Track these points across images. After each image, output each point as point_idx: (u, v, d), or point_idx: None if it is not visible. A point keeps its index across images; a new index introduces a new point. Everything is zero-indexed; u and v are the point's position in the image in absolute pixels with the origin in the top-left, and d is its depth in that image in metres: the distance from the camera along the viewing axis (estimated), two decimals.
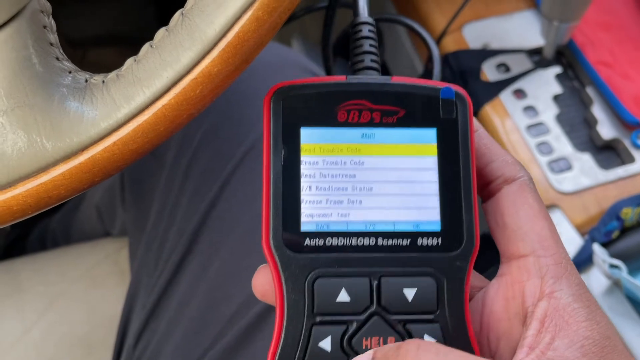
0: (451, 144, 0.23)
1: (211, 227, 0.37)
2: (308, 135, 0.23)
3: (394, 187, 0.23)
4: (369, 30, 0.26)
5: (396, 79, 0.24)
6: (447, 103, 0.23)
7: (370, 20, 0.26)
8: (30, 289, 0.50)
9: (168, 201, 0.40)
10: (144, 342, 0.40)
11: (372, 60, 0.25)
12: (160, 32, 0.25)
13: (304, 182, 0.23)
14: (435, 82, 0.24)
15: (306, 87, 0.24)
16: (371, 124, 0.23)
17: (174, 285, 0.38)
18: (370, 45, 0.25)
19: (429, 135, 0.23)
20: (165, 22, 0.24)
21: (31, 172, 0.24)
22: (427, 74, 0.65)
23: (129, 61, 0.25)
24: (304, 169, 0.23)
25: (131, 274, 0.46)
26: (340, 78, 0.24)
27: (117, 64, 0.25)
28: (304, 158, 0.23)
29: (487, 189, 0.24)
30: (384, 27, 0.77)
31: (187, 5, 0.24)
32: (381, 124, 0.23)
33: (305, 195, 0.23)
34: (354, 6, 0.26)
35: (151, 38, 0.25)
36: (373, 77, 0.24)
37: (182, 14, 0.24)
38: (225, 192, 0.37)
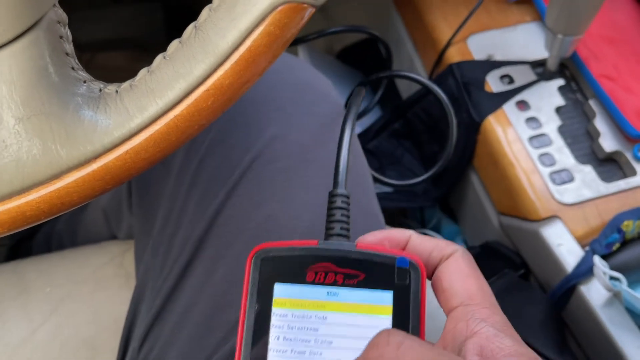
0: (404, 306, 0.26)
1: (217, 234, 0.38)
2: (280, 291, 0.27)
3: (351, 342, 0.26)
4: (342, 202, 0.30)
5: (360, 246, 0.28)
6: (402, 271, 0.27)
7: (345, 192, 0.30)
8: (36, 290, 0.50)
9: (175, 207, 0.41)
10: (149, 346, 0.40)
11: (341, 228, 0.29)
12: (174, 44, 0.25)
13: (273, 332, 0.26)
14: (394, 251, 0.27)
15: (282, 249, 0.28)
16: (335, 284, 0.27)
17: (179, 290, 0.39)
18: (342, 214, 0.30)
19: (385, 297, 0.27)
20: (173, 27, 0.25)
21: (45, 178, 0.25)
22: (431, 80, 0.66)
23: (142, 72, 0.26)
24: (274, 320, 0.26)
25: (137, 277, 0.46)
26: (312, 243, 0.28)
27: (125, 67, 0.26)
28: (275, 310, 0.26)
29: (433, 271, 0.27)
30: (391, 38, 0.78)
31: (201, 18, 0.25)
32: (344, 285, 0.27)
33: (273, 343, 0.26)
34: (335, 176, 0.31)
35: (159, 43, 0.26)
36: (340, 244, 0.28)
37: (196, 27, 0.25)
38: (232, 198, 0.38)
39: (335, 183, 0.31)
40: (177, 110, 0.25)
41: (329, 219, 0.30)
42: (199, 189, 0.40)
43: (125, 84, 0.26)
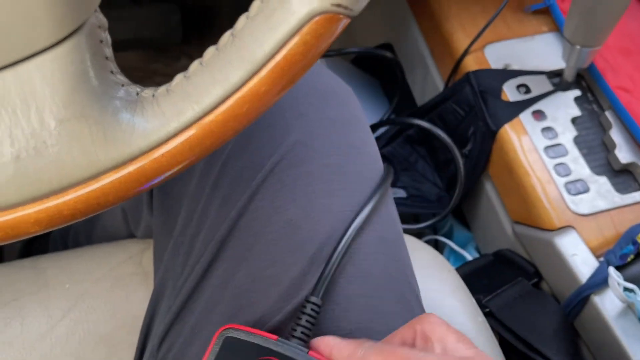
0: None
1: (238, 236, 0.38)
2: None
3: None
4: (312, 309, 0.34)
5: (312, 354, 0.31)
6: None
7: (318, 302, 0.34)
8: (56, 286, 0.51)
9: (197, 208, 0.41)
10: (168, 344, 0.41)
11: (302, 333, 0.33)
12: (210, 51, 0.26)
13: None
14: None
15: (245, 334, 0.32)
16: None
17: (200, 290, 0.39)
18: (307, 320, 0.33)
19: None
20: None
21: (83, 179, 0.25)
22: (447, 90, 0.66)
23: (179, 77, 0.26)
24: None
25: (156, 277, 0.47)
26: (273, 337, 0.31)
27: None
28: None
29: None
30: (408, 46, 0.79)
31: (238, 26, 0.26)
32: None
33: None
34: (317, 282, 0.35)
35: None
36: (295, 347, 0.31)
37: (233, 34, 0.26)
38: (254, 202, 0.38)
39: (314, 289, 0.34)
40: (212, 116, 0.25)
41: (296, 320, 0.33)
42: (221, 191, 0.40)
43: (162, 89, 0.26)
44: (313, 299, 0.34)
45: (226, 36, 0.26)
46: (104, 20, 0.26)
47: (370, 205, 0.38)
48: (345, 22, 0.25)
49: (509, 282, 0.57)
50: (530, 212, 0.57)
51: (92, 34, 0.25)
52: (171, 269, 0.43)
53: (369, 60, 0.88)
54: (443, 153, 0.69)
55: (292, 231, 0.38)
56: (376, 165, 0.42)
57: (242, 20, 0.26)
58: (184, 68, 0.26)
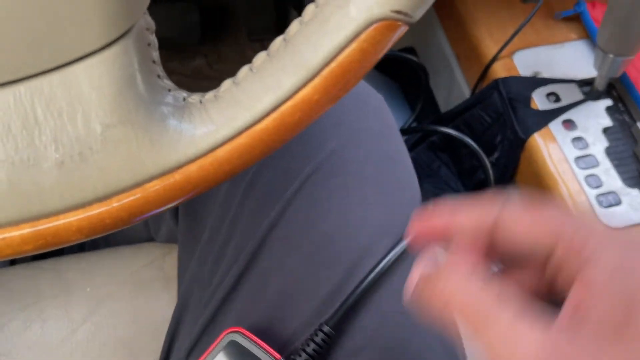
0: None
1: (271, 248, 0.37)
2: None
3: None
4: (322, 339, 0.33)
5: None
6: None
7: (331, 332, 0.33)
8: (77, 290, 0.50)
9: (227, 216, 0.40)
10: (195, 357, 0.40)
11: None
12: (261, 57, 0.25)
13: None
14: None
15: (249, 342, 0.32)
16: None
17: (230, 303, 0.38)
18: (314, 350, 0.33)
19: None
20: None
21: (128, 186, 0.24)
22: (474, 97, 0.65)
23: (227, 83, 0.25)
24: None
25: (180, 283, 0.46)
26: (277, 356, 0.31)
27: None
28: None
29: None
30: (432, 50, 0.77)
31: (291, 31, 0.25)
32: None
33: None
34: (334, 312, 0.35)
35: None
36: None
37: (285, 39, 0.25)
38: (288, 212, 0.37)
39: (329, 318, 0.33)
40: (263, 124, 0.24)
41: (303, 345, 0.33)
42: (253, 200, 0.39)
43: (209, 94, 0.25)
44: (325, 329, 0.33)
45: (278, 41, 0.25)
46: (151, 23, 0.25)
47: (404, 244, 0.37)
48: (403, 29, 0.24)
49: None
50: None
51: (140, 36, 0.24)
52: (198, 278, 0.42)
53: (390, 63, 0.86)
54: (467, 160, 0.68)
55: (327, 245, 0.37)
56: (411, 178, 0.41)
57: (295, 25, 0.25)
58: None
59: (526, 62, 0.63)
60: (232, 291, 0.38)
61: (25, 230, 0.24)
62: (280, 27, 1.12)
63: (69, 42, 0.22)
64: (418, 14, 0.24)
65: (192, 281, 0.43)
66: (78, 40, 0.22)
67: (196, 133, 0.25)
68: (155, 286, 0.51)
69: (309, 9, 0.24)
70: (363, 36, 0.24)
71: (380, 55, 0.25)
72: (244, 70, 0.25)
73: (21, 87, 0.23)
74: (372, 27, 0.24)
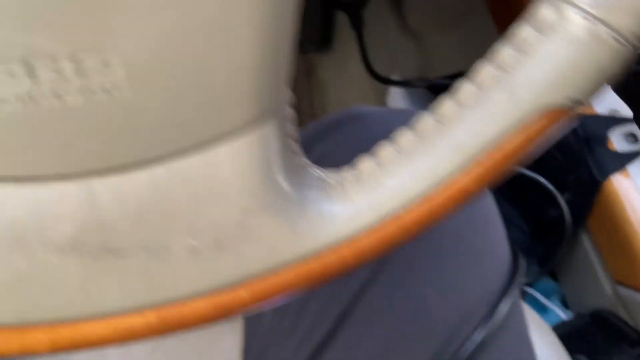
0: None
1: (360, 313, 0.35)
2: None
3: None
4: None
5: None
6: None
7: None
8: None
9: None
10: None
11: None
12: (408, 137, 0.23)
13: None
14: None
15: None
16: None
17: None
18: None
19: None
20: None
21: (262, 272, 0.23)
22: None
23: (368, 163, 0.23)
24: None
25: (253, 332, 0.44)
26: None
27: None
28: None
29: None
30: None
31: (444, 111, 0.23)
32: None
33: None
34: None
35: None
36: None
37: (438, 120, 0.23)
38: (379, 275, 0.35)
39: None
40: (412, 213, 0.22)
41: None
42: None
43: (348, 175, 0.23)
44: None
45: (429, 121, 0.23)
46: (293, 115, 0.23)
47: (506, 309, 0.34)
48: (575, 117, 0.22)
49: (609, 348, 0.53)
50: (638, 276, 0.54)
51: (282, 118, 0.22)
52: (275, 333, 0.40)
53: (446, 87, 0.84)
54: (532, 198, 0.65)
55: (422, 313, 0.35)
56: (504, 241, 0.39)
57: (449, 104, 0.23)
58: None
59: (602, 99, 0.61)
60: (315, 358, 0.36)
61: (151, 318, 0.22)
62: (325, 38, 1.09)
63: (217, 118, 0.20)
64: (589, 101, 0.22)
65: (269, 336, 0.41)
66: (226, 116, 0.20)
67: (337, 219, 0.23)
68: (220, 328, 0.49)
69: (467, 90, 0.22)
70: (533, 125, 0.21)
71: (544, 144, 0.22)
72: (389, 150, 0.23)
73: (160, 169, 0.21)
74: (542, 116, 0.21)
